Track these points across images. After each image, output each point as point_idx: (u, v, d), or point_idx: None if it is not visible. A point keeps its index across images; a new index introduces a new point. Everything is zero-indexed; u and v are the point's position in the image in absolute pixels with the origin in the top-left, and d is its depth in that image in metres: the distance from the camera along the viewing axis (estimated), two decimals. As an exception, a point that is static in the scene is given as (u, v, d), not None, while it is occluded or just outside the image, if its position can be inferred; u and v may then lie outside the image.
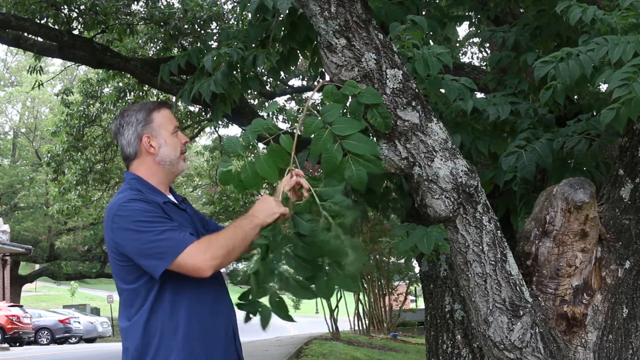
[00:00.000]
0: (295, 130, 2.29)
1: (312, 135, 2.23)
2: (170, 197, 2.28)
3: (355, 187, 2.21)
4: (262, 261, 2.12)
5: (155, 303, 2.11)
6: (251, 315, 2.17)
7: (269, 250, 2.13)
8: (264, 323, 2.15)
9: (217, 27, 8.40)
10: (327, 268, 2.14)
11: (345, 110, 2.28)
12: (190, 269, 2.06)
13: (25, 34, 7.30)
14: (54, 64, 42.63)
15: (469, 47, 12.23)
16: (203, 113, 10.76)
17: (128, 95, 10.59)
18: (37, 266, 34.89)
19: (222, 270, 2.23)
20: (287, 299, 2.25)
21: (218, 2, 8.38)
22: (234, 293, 2.23)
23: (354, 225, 2.21)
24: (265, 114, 4.14)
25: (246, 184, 2.27)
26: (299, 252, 2.14)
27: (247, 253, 2.16)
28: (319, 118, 2.22)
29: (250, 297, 2.15)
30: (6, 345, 20.08)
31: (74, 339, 24.29)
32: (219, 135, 14.54)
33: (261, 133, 2.26)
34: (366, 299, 19.68)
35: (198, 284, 2.13)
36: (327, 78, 2.39)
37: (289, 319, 2.17)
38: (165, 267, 2.04)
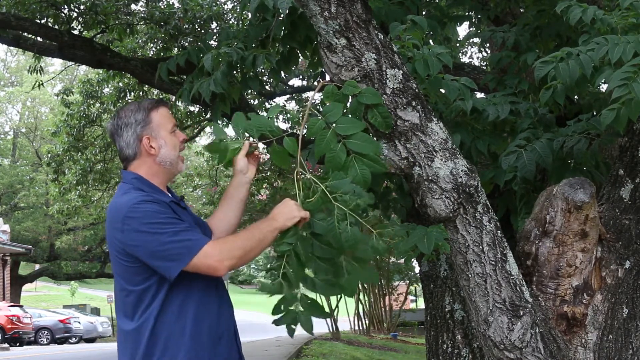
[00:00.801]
0: (297, 131, 2.29)
1: (315, 136, 2.23)
2: (170, 196, 2.28)
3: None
4: (290, 266, 2.12)
5: (164, 304, 2.09)
6: (293, 327, 2.14)
7: (296, 256, 2.13)
8: (308, 328, 2.12)
9: (217, 27, 8.40)
10: (345, 265, 2.15)
11: (345, 111, 2.28)
12: (205, 269, 2.06)
13: (25, 34, 7.29)
14: (54, 64, 42.68)
15: (469, 47, 12.23)
16: (203, 113, 10.75)
17: (128, 95, 10.58)
18: (37, 266, 34.87)
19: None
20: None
21: (218, 2, 8.37)
22: (235, 294, 2.23)
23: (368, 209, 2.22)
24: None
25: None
26: (317, 253, 2.14)
27: (274, 262, 2.16)
28: (321, 118, 2.22)
29: (282, 307, 2.13)
30: (6, 345, 20.08)
31: (74, 339, 24.29)
32: (219, 135, 14.51)
33: (264, 133, 2.26)
34: (366, 299, 19.68)
35: (205, 285, 2.13)
36: (327, 78, 2.39)
37: (326, 315, 2.19)
38: (182, 268, 2.03)
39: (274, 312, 2.15)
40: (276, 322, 2.14)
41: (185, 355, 2.08)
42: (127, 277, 2.13)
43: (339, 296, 15.93)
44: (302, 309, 2.14)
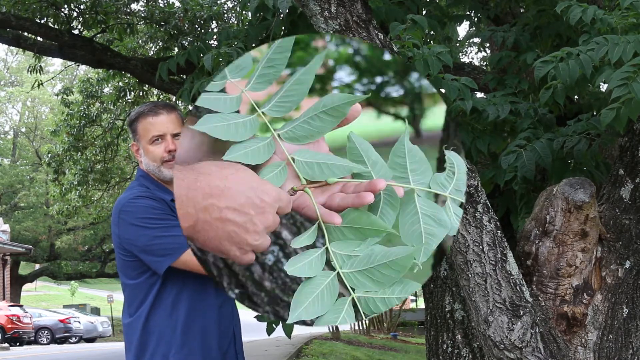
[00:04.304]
0: None
1: None
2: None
3: None
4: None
5: (157, 300, 2.12)
6: (274, 326, 2.17)
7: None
8: (288, 331, 2.15)
9: (217, 27, 8.39)
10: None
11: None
12: (196, 266, 2.06)
13: (26, 34, 7.30)
14: (54, 64, 42.62)
15: (469, 47, 12.23)
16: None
17: (128, 95, 10.56)
18: (37, 266, 34.87)
19: None
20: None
21: (218, 2, 8.36)
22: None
23: None
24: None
25: None
26: None
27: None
28: None
29: None
30: (6, 345, 20.08)
31: (74, 338, 24.27)
32: (219, 135, 14.51)
33: None
34: (366, 298, 19.65)
35: (200, 283, 2.14)
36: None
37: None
38: (170, 263, 2.06)
39: None
40: (258, 318, 2.16)
41: (176, 352, 2.10)
42: (125, 272, 2.18)
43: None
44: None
